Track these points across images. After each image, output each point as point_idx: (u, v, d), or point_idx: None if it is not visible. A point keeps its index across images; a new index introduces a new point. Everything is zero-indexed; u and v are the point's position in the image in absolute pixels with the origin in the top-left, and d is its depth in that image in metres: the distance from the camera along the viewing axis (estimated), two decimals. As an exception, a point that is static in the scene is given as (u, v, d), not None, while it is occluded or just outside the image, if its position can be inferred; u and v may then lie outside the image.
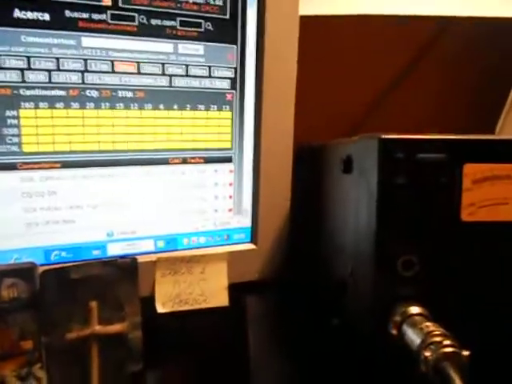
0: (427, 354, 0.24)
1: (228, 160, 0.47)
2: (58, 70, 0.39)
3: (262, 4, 0.45)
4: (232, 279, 0.48)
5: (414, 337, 0.26)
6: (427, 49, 0.67)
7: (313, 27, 0.61)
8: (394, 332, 0.28)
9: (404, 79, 0.67)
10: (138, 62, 0.42)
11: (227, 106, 0.46)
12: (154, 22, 0.42)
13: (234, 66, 0.45)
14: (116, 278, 0.43)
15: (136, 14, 0.41)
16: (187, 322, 0.47)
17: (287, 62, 0.46)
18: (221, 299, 0.47)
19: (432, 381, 0.24)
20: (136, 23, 0.41)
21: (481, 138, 0.29)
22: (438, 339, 0.25)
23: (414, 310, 0.29)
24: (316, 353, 0.36)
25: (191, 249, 0.47)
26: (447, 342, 0.24)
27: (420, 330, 0.26)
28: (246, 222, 0.49)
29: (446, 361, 0.24)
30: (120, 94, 0.41)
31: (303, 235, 0.47)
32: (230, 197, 0.48)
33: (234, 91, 0.46)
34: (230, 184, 0.47)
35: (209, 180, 0.46)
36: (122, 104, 0.42)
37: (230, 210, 0.48)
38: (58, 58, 0.39)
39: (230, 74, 0.45)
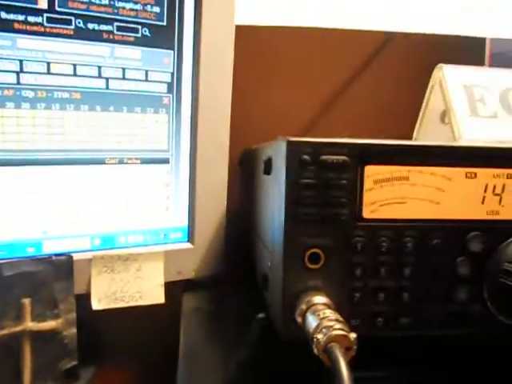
0: (319, 336, 0.27)
1: (165, 161, 0.48)
2: (-7, 70, 0.40)
3: (199, 12, 0.47)
4: (169, 277, 0.49)
5: (312, 323, 0.28)
6: (368, 61, 0.71)
7: (255, 35, 0.64)
8: (299, 320, 0.30)
9: (347, 89, 0.71)
10: (74, 64, 0.43)
11: (163, 109, 0.47)
12: (90, 25, 0.43)
13: (171, 70, 0.47)
14: (50, 276, 0.44)
15: (73, 18, 0.42)
16: (123, 320, 0.48)
17: (223, 67, 0.48)
18: (157, 296, 0.48)
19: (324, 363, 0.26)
20: (72, 26, 0.42)
21: (381, 143, 0.32)
22: (330, 323, 0.27)
23: (318, 299, 0.31)
24: (245, 346, 0.38)
25: (128, 247, 0.48)
26: (337, 326, 0.27)
27: (317, 316, 0.28)
28: (183, 221, 0.50)
29: (334, 342, 0.26)
30: (56, 94, 0.42)
31: (239, 234, 0.49)
32: (167, 197, 0.49)
33: (170, 95, 0.47)
34: (167, 185, 0.49)
35: (145, 180, 0.48)
36: (57, 104, 0.43)
37: (167, 210, 0.50)
38: (-8, 58, 0.40)
39: (167, 78, 0.47)
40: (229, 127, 0.50)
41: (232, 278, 0.52)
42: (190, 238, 0.51)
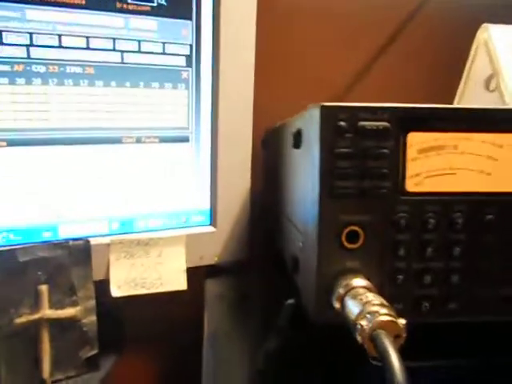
0: (363, 323, 0.24)
1: (185, 140, 0.46)
2: (2, 43, 0.38)
3: (217, -20, 0.43)
4: (191, 263, 0.46)
5: (353, 308, 0.25)
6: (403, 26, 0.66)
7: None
8: (337, 305, 0.27)
9: (383, 55, 0.66)
10: (87, 37, 0.40)
11: (183, 85, 0.44)
12: (103, -6, 0.40)
13: (190, 42, 0.44)
14: (68, 261, 0.42)
15: (84, -14, 0.39)
16: (143, 307, 0.46)
17: (245, 38, 0.45)
18: (178, 283, 0.46)
19: (368, 352, 0.23)
20: (84, -5, 0.40)
21: (425, 107, 0.29)
22: (375, 309, 0.24)
23: (358, 282, 0.28)
24: (274, 334, 0.35)
25: (148, 231, 0.45)
26: (384, 311, 0.24)
27: (359, 301, 0.25)
28: (205, 203, 0.48)
29: (381, 329, 0.23)
30: (68, 69, 0.40)
31: (263, 217, 0.46)
32: (188, 178, 0.46)
33: (189, 69, 0.44)
34: (188, 165, 0.46)
35: (164, 160, 0.45)
36: (70, 80, 0.40)
37: (188, 192, 0.47)
38: (0, 31, 0.37)
39: (185, 50, 0.44)
40: (252, 103, 0.47)
41: (257, 262, 0.50)
42: (213, 221, 0.48)
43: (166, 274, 0.46)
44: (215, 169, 0.47)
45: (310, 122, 0.30)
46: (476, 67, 0.37)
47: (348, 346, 0.24)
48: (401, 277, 0.29)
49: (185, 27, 0.44)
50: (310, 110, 0.30)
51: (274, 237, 0.46)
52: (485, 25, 0.37)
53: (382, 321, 0.23)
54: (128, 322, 0.49)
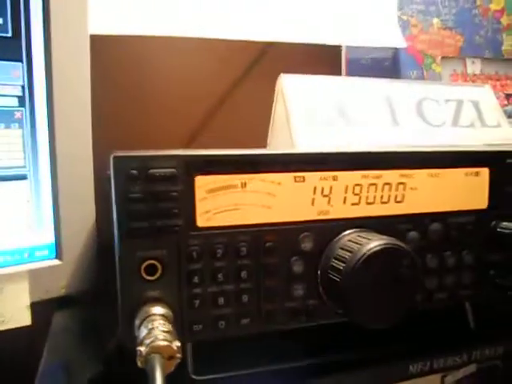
0: (141, 348, 0.27)
1: (22, 177, 0.46)
2: None
3: (47, 22, 0.45)
4: (36, 297, 0.47)
5: (140, 335, 0.29)
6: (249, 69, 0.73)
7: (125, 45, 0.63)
8: (136, 334, 0.31)
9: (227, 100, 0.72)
10: None
11: (16, 124, 0.45)
12: None
13: (21, 83, 0.45)
14: None
15: None
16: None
17: (79, 79, 0.47)
18: (22, 319, 0.46)
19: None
20: None
21: (209, 153, 0.34)
22: (155, 334, 0.28)
23: (156, 310, 0.32)
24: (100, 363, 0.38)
25: (-13, 270, 0.45)
26: (161, 337, 0.28)
27: (146, 328, 0.29)
28: (49, 238, 0.49)
29: (157, 353, 0.27)
30: None
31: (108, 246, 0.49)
32: (28, 214, 0.47)
33: (22, 109, 0.45)
34: (27, 201, 0.47)
35: (2, 199, 0.45)
36: None
37: (29, 228, 0.48)
38: None
39: (17, 91, 0.45)
40: (90, 139, 0.49)
41: (107, 291, 0.52)
42: (58, 254, 0.49)
43: (9, 311, 0.46)
44: (57, 203, 0.48)
45: (111, 169, 0.33)
46: (278, 111, 0.44)
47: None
48: (197, 301, 0.33)
49: (15, 69, 0.45)
50: (110, 158, 0.33)
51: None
52: (281, 74, 0.43)
53: (158, 345, 0.27)
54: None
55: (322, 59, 0.62)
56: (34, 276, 0.47)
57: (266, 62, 0.70)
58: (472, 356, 0.44)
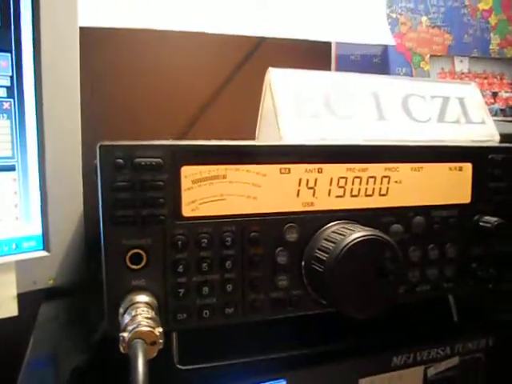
0: (125, 334, 0.28)
1: (11, 169, 0.47)
2: None
3: (37, 13, 0.45)
4: (23, 288, 0.47)
5: (124, 322, 0.29)
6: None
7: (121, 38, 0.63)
8: (120, 321, 0.31)
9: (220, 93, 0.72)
10: None
11: (4, 115, 0.45)
12: None
13: (10, 74, 0.45)
14: None
15: None
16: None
17: (68, 70, 0.48)
18: (9, 310, 0.46)
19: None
20: None
21: (195, 143, 0.34)
22: (138, 320, 0.28)
23: (140, 298, 0.32)
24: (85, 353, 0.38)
25: (-26, 260, 0.45)
26: (144, 323, 0.28)
27: (130, 315, 0.29)
28: (36, 229, 0.49)
29: (139, 338, 0.27)
30: None
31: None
32: (16, 205, 0.47)
33: (11, 100, 0.46)
34: (15, 192, 0.47)
35: (-10, 189, 0.46)
36: None
37: (17, 219, 0.48)
38: None
39: (6, 82, 0.45)
40: (79, 131, 0.49)
41: (94, 282, 0.52)
42: (46, 245, 0.49)
43: (-4, 302, 0.46)
44: (45, 195, 0.48)
45: (97, 158, 0.33)
46: (266, 104, 0.44)
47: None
48: (182, 290, 0.34)
49: (4, 59, 0.45)
50: (97, 147, 0.33)
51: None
52: (270, 68, 0.43)
53: (140, 331, 0.28)
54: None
55: (312, 55, 0.62)
56: (22, 267, 0.47)
57: (257, 58, 0.71)
58: (455, 349, 0.45)
